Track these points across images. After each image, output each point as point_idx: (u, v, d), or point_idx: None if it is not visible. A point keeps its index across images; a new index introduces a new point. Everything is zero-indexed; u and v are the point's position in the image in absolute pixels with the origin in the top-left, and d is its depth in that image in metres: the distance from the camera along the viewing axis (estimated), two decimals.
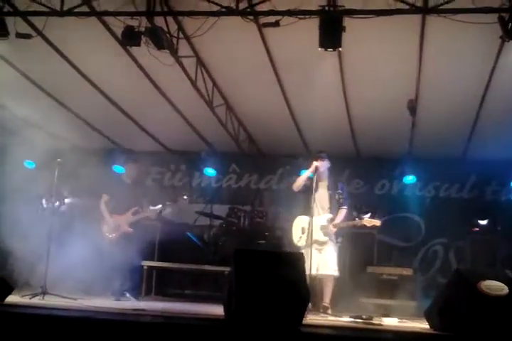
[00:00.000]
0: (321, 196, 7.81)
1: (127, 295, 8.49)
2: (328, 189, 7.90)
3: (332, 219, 7.76)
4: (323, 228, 7.67)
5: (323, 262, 7.58)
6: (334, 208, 7.85)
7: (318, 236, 7.62)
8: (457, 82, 8.06)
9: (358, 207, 9.69)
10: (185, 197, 9.13)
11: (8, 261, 9.73)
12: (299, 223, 7.87)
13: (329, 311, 7.44)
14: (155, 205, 8.83)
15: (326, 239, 7.68)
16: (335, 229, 7.73)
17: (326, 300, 7.58)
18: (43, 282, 7.73)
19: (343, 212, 7.87)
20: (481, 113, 9.04)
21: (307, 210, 7.67)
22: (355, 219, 7.80)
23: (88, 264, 9.77)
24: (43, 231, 8.49)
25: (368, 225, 7.66)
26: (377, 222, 7.65)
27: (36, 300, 7.15)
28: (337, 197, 7.89)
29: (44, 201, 9.85)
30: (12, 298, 6.05)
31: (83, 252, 10.14)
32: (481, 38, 6.88)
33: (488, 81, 8.02)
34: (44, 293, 7.48)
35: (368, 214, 9.18)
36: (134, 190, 8.78)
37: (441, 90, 8.37)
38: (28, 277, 9.78)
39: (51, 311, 5.93)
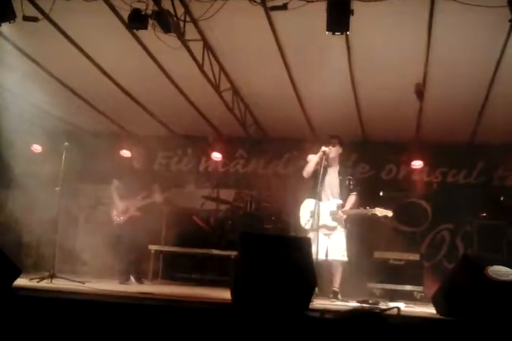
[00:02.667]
0: (332, 181, 7.78)
1: (132, 279, 8.57)
2: (339, 174, 7.86)
3: (342, 205, 7.72)
4: (332, 213, 7.64)
5: (332, 247, 7.58)
6: (344, 194, 7.80)
7: (326, 221, 7.61)
8: (465, 67, 8.00)
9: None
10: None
11: (17, 244, 9.81)
12: (307, 206, 7.84)
13: (339, 296, 7.45)
14: (163, 191, 8.94)
15: (334, 224, 7.66)
16: (344, 216, 7.70)
17: (336, 284, 7.59)
18: (51, 265, 7.77)
19: (352, 198, 7.80)
20: (489, 98, 8.97)
21: (315, 194, 7.65)
22: (366, 208, 7.73)
23: (96, 248, 9.89)
24: (51, 215, 8.54)
25: (380, 215, 7.59)
26: (389, 213, 7.59)
27: (44, 284, 7.18)
28: (347, 183, 7.84)
29: (52, 185, 9.88)
30: (20, 281, 6.07)
31: (92, 236, 10.26)
32: (490, 21, 6.80)
33: (496, 65, 7.95)
34: (52, 276, 7.52)
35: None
36: (143, 175, 8.87)
37: (449, 74, 8.31)
38: (36, 260, 9.88)
39: (59, 294, 5.96)
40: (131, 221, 8.70)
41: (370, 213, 7.64)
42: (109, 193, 9.02)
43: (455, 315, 5.45)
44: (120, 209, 8.77)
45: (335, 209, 7.67)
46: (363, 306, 6.59)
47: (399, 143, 11.13)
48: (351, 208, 7.77)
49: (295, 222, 8.08)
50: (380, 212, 7.58)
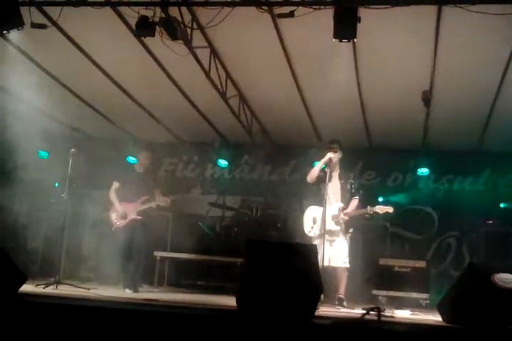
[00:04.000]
0: (334, 186, 7.80)
1: (129, 287, 8.46)
2: (340, 178, 7.89)
3: (343, 209, 7.75)
4: (334, 217, 7.66)
5: (334, 254, 7.58)
6: (345, 198, 7.83)
7: (329, 226, 7.61)
8: (472, 74, 8.00)
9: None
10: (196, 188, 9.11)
11: (23, 250, 9.83)
12: (311, 213, 7.89)
13: (344, 303, 7.42)
14: (167, 195, 8.85)
15: (337, 228, 7.68)
16: (347, 218, 7.70)
17: (341, 291, 7.57)
18: (57, 271, 7.78)
19: (355, 202, 7.85)
20: (496, 104, 8.97)
21: (319, 200, 7.70)
22: (367, 207, 7.75)
23: (99, 253, 9.86)
24: (57, 220, 8.55)
25: (381, 212, 7.62)
26: (390, 209, 7.61)
27: (50, 290, 7.19)
28: (349, 186, 7.88)
29: (59, 191, 9.91)
30: (26, 287, 6.08)
31: (98, 243, 10.24)
32: (497, 28, 6.81)
33: (503, 72, 7.95)
34: (57, 282, 7.52)
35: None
36: (146, 179, 8.76)
37: (456, 81, 8.31)
38: (42, 266, 9.88)
39: (64, 300, 5.96)
40: (132, 225, 8.51)
41: (371, 212, 7.67)
42: (109, 195, 8.78)
43: (461, 323, 5.43)
44: (120, 212, 8.58)
45: (336, 212, 7.69)
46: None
47: (405, 150, 11.12)
48: (354, 210, 7.81)
49: (300, 228, 8.08)
50: (381, 209, 7.60)
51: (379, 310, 5.19)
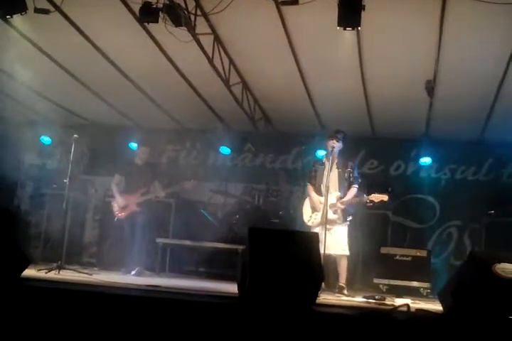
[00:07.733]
0: (332, 175, 7.83)
1: (133, 272, 8.59)
2: (337, 167, 7.91)
3: (341, 197, 7.77)
4: (332, 206, 7.69)
5: (332, 242, 7.60)
6: (343, 186, 7.85)
7: (328, 215, 7.63)
8: (476, 63, 7.96)
9: (369, 186, 9.32)
10: (192, 180, 9.27)
11: (26, 235, 9.87)
12: (309, 202, 7.92)
13: (345, 291, 7.47)
14: (166, 186, 9.11)
15: (335, 217, 7.71)
16: (343, 206, 7.72)
17: (342, 280, 7.62)
18: (59, 256, 7.83)
19: (353, 190, 7.88)
20: (499, 95, 8.93)
21: (318, 189, 7.73)
22: (363, 196, 7.78)
23: (101, 239, 9.94)
24: (60, 206, 8.60)
25: (376, 201, 7.64)
26: (385, 197, 7.62)
27: (52, 275, 7.23)
28: (346, 175, 7.89)
29: (61, 176, 9.95)
30: (28, 272, 6.11)
31: (98, 227, 10.30)
32: (502, 18, 6.77)
33: (507, 62, 7.92)
34: (60, 267, 7.56)
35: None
36: (145, 171, 9.16)
37: (460, 71, 8.27)
38: (44, 251, 9.93)
39: (66, 286, 6.00)
40: (132, 216, 8.91)
41: (367, 200, 7.70)
42: (111, 187, 9.29)
43: (462, 312, 5.44)
44: (121, 204, 8.99)
45: (334, 201, 7.71)
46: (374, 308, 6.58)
47: (408, 139, 11.11)
48: (350, 199, 7.84)
49: (301, 217, 8.11)
50: (376, 197, 7.63)
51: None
